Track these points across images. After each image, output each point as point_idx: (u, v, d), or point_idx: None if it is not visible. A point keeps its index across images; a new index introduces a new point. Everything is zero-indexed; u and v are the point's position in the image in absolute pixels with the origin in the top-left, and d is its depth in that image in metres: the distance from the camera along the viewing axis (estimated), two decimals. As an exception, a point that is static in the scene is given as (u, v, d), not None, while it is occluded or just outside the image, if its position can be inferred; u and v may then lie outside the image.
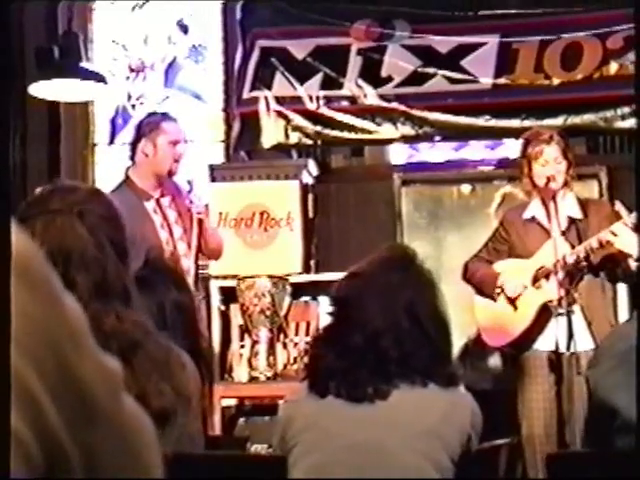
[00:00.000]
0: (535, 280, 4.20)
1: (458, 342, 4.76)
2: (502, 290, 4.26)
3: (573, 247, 4.10)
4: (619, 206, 4.08)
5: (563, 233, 4.14)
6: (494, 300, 4.30)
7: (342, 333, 2.22)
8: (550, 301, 4.08)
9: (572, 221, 4.21)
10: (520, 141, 4.46)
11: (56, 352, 0.65)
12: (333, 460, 2.15)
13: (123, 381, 0.73)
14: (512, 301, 4.24)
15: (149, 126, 4.48)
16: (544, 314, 4.13)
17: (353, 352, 2.18)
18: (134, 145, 4.51)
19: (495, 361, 5.06)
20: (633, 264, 3.99)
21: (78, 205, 1.96)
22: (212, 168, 5.88)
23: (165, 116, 4.60)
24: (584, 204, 4.29)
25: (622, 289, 4.80)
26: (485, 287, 4.33)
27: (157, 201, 4.44)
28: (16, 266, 0.64)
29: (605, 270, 4.16)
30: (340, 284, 2.34)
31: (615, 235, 3.97)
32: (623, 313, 4.76)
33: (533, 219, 4.29)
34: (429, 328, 2.18)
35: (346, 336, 2.20)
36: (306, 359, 2.44)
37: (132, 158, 4.51)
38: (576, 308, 4.06)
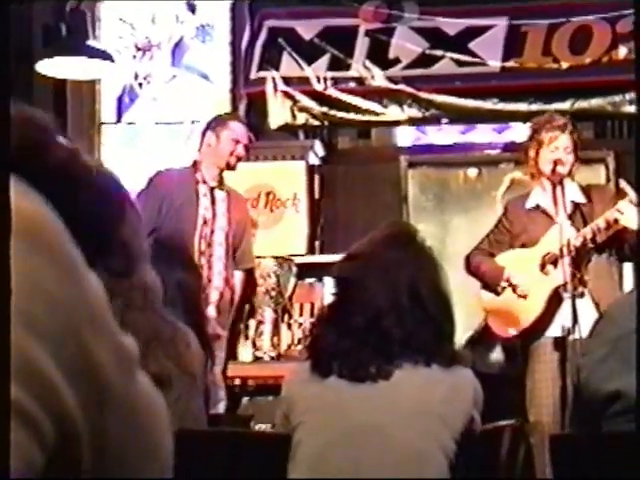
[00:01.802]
0: (543, 266, 4.18)
1: (464, 328, 4.74)
2: (510, 285, 4.23)
3: (579, 231, 4.09)
4: (624, 184, 4.07)
5: (569, 217, 4.13)
6: (498, 295, 4.28)
7: (344, 313, 2.21)
8: (560, 286, 4.05)
9: (576, 206, 4.20)
10: (528, 125, 4.44)
11: (75, 336, 0.64)
12: (337, 441, 2.15)
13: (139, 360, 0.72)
14: (522, 295, 4.22)
15: (217, 121, 4.94)
16: (555, 301, 4.10)
17: (355, 332, 2.18)
18: (202, 137, 4.94)
19: (498, 355, 5.04)
20: None
21: None
22: (218, 148, 5.87)
23: (235, 116, 5.11)
24: (587, 190, 4.29)
25: (628, 271, 4.79)
26: (489, 281, 4.31)
27: (211, 189, 4.82)
28: (36, 240, 0.62)
29: (613, 249, 4.15)
30: (341, 263, 2.33)
31: (621, 213, 3.97)
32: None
33: (537, 207, 4.28)
34: (431, 306, 2.17)
35: (348, 316, 2.20)
36: (309, 339, 2.43)
37: (199, 149, 4.94)
38: (586, 291, 4.05)
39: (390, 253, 2.22)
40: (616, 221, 4.01)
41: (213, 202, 4.80)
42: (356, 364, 2.17)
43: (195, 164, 4.89)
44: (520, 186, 5.37)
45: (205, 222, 4.75)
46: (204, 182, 4.81)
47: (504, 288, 4.26)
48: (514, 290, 4.24)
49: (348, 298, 2.23)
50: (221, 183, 4.87)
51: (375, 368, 2.16)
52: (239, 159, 4.87)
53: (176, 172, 4.86)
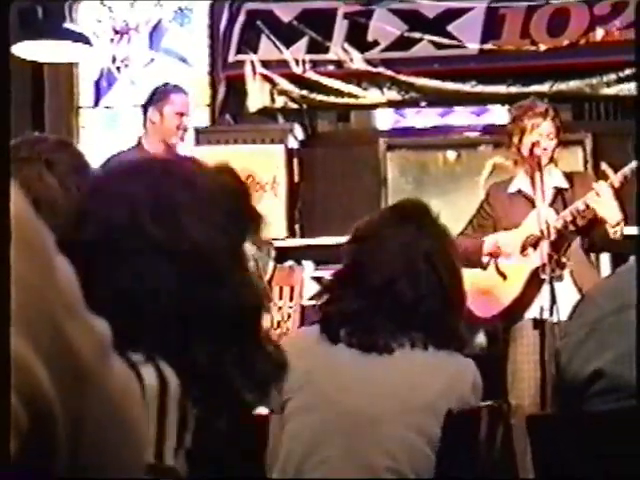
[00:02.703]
0: (523, 248, 4.19)
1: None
2: (492, 256, 4.24)
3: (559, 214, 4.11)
4: (605, 166, 4.07)
5: (550, 202, 4.14)
6: (483, 268, 4.28)
7: (359, 276, 2.20)
8: (539, 268, 4.06)
9: (558, 191, 4.21)
10: (507, 108, 4.44)
11: (51, 323, 0.63)
12: (326, 423, 2.14)
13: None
14: (501, 272, 4.23)
15: (158, 95, 4.76)
16: (534, 283, 4.11)
17: (369, 295, 2.17)
18: (144, 112, 4.78)
19: (480, 337, 5.05)
20: (611, 230, 3.99)
21: (46, 154, 1.92)
22: (197, 131, 5.86)
23: (176, 88, 4.88)
24: (569, 176, 4.30)
25: (605, 255, 4.81)
26: (471, 255, 4.31)
27: None
28: (14, 233, 0.61)
29: (587, 237, 4.16)
30: (357, 229, 2.30)
31: (598, 195, 3.97)
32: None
33: (519, 192, 4.29)
34: (444, 274, 2.17)
35: (362, 279, 2.19)
36: (320, 301, 2.36)
37: (144, 125, 4.78)
38: (566, 274, 4.06)
39: (404, 222, 2.23)
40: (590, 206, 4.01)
41: None
42: (367, 330, 2.15)
43: (139, 143, 4.75)
44: (503, 171, 5.38)
45: None
46: None
47: (488, 262, 4.27)
48: (496, 261, 4.25)
49: (362, 263, 2.22)
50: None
51: (384, 339, 2.14)
52: (185, 131, 4.78)
53: (128, 155, 4.74)
